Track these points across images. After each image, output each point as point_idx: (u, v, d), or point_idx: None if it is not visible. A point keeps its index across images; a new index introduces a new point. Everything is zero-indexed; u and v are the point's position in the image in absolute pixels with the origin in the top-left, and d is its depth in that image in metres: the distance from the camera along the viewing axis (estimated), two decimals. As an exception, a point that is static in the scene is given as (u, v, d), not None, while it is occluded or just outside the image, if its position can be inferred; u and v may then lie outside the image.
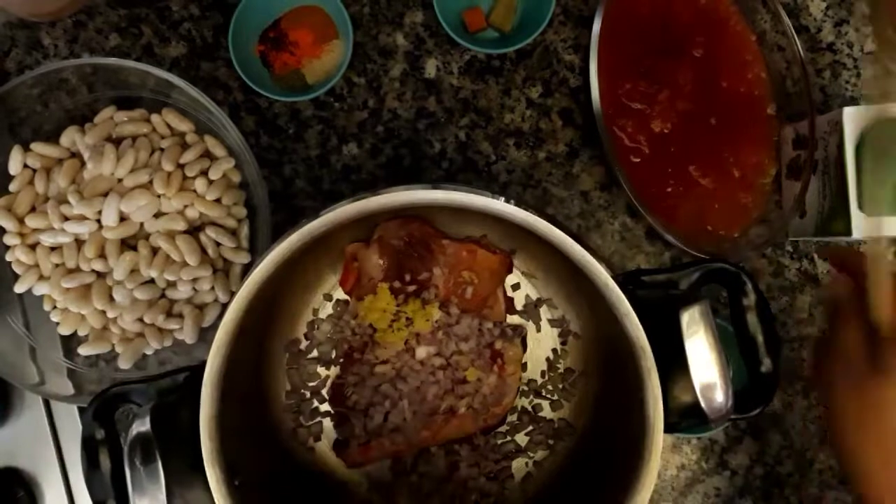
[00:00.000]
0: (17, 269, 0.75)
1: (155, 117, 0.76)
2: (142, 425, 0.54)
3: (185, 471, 0.54)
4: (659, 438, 0.54)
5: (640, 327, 0.54)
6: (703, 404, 0.54)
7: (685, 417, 0.55)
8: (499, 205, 0.55)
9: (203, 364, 0.55)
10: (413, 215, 0.70)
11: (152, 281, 0.75)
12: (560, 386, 0.73)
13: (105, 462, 0.57)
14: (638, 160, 0.76)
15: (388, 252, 0.71)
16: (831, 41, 0.82)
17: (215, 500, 0.54)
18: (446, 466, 0.72)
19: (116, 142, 0.75)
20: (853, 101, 0.82)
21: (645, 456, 0.54)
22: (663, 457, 0.82)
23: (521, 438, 0.74)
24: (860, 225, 0.70)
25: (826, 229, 0.75)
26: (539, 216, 0.55)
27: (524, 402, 0.74)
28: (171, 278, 0.74)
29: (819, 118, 0.76)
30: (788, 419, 0.83)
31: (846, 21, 0.82)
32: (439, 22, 0.78)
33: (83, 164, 0.75)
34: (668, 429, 0.54)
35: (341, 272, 0.73)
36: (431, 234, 0.71)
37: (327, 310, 0.74)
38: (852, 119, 0.71)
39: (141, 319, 0.74)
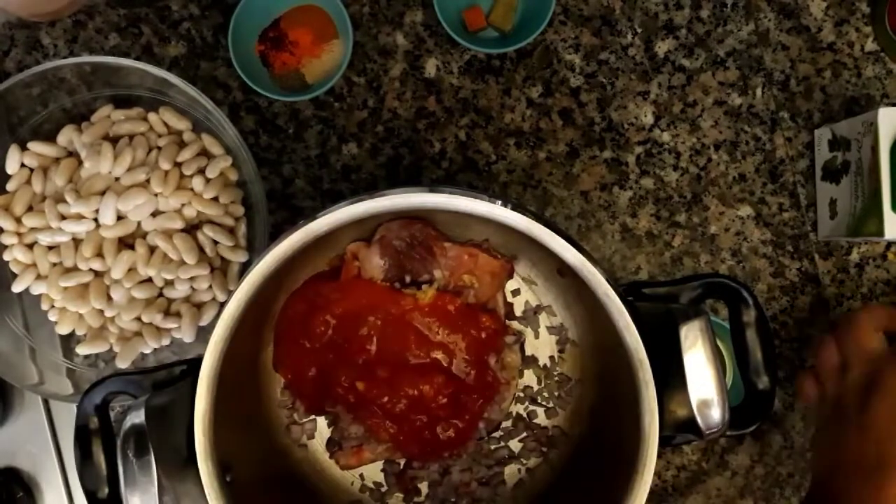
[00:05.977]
0: (14, 268, 0.75)
1: (152, 116, 0.76)
2: (136, 417, 0.53)
3: (177, 464, 0.54)
4: (653, 452, 0.53)
5: (639, 339, 0.54)
6: (699, 420, 0.53)
7: (680, 432, 0.54)
8: (502, 212, 0.54)
9: (199, 358, 0.54)
10: (415, 217, 0.70)
11: (150, 280, 0.74)
12: (556, 394, 0.73)
13: (98, 452, 0.58)
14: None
15: (389, 252, 0.70)
16: (832, 41, 0.82)
17: (207, 495, 0.54)
18: (438, 470, 0.72)
19: (114, 140, 0.75)
20: (853, 101, 0.81)
21: (639, 469, 0.54)
22: (663, 457, 0.82)
23: (515, 445, 0.73)
24: (894, 226, 0.70)
25: (858, 230, 0.74)
26: (541, 223, 0.54)
27: (519, 409, 0.74)
28: (168, 277, 0.74)
29: (853, 119, 0.75)
30: (789, 419, 0.82)
31: (847, 21, 0.82)
32: (439, 21, 0.77)
33: (80, 162, 0.75)
34: (663, 442, 0.54)
35: (341, 271, 0.73)
36: (433, 237, 0.71)
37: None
38: (887, 120, 0.70)
39: (139, 318, 0.74)
